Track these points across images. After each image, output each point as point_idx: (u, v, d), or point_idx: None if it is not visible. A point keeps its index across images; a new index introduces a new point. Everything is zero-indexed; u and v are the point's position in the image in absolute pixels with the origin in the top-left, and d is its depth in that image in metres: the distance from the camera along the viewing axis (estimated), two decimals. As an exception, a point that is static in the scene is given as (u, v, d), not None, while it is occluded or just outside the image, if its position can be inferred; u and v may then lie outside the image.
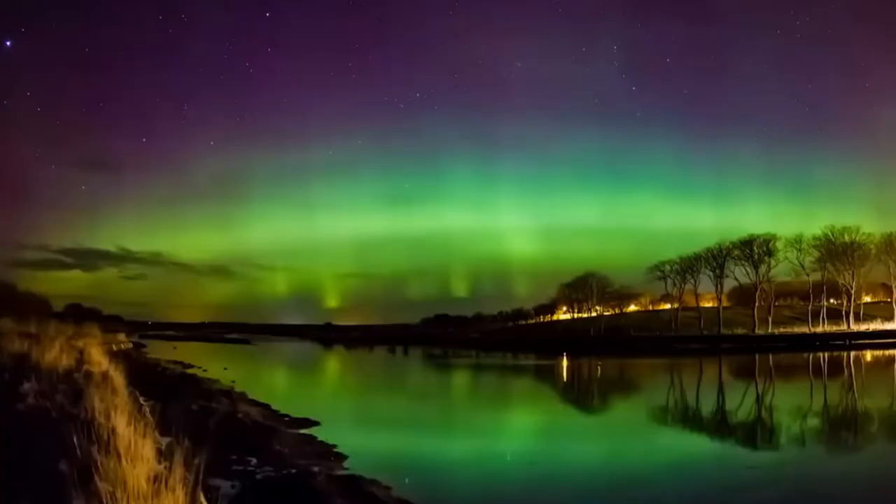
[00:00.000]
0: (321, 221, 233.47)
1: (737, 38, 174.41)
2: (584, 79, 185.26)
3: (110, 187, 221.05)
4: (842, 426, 25.81)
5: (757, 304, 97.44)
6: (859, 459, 19.50)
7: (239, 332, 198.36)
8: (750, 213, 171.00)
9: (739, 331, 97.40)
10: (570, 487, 15.91)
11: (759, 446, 21.99)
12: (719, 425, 26.84)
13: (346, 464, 16.97)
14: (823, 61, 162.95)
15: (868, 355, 65.93)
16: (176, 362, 55.87)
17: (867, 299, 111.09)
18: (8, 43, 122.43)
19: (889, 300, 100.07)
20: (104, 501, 5.53)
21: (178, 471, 6.37)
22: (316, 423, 23.69)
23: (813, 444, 22.02)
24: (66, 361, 18.19)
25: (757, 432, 24.71)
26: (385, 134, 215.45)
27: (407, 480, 15.43)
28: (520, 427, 27.54)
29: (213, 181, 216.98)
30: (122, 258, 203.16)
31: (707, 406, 32.45)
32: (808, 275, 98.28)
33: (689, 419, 28.75)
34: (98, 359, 22.46)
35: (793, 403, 32.04)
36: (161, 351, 79.97)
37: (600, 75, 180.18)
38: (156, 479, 6.49)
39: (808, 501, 14.25)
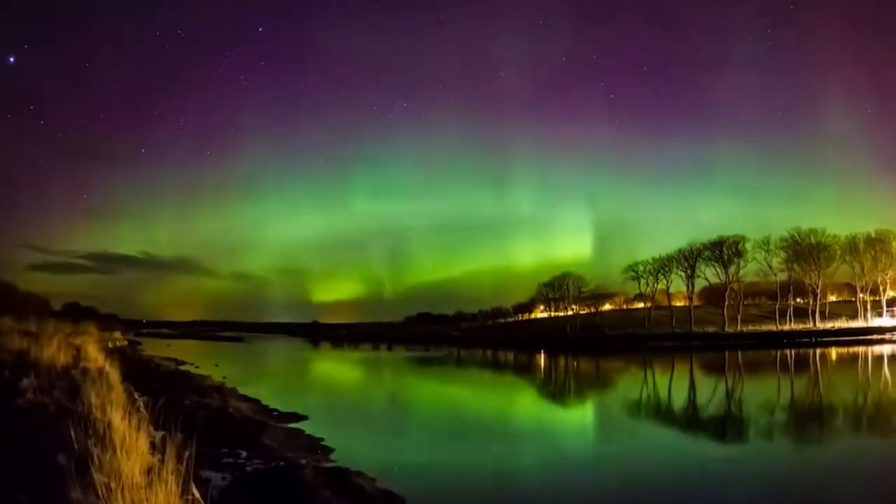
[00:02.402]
0: (311, 224, 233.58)
1: (710, 47, 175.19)
2: (565, 87, 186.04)
3: (111, 195, 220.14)
4: (808, 420, 25.89)
5: (727, 303, 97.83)
6: (825, 451, 19.76)
7: (230, 330, 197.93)
8: (721, 215, 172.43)
9: (710, 329, 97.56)
10: (545, 479, 16.05)
11: (729, 440, 22.07)
12: (690, 419, 26.95)
13: (332, 456, 17.06)
14: (793, 68, 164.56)
15: (833, 352, 66.39)
16: (169, 359, 55.68)
17: (832, 298, 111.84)
18: (11, 59, 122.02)
19: (853, 299, 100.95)
20: (100, 492, 5.60)
21: (171, 463, 6.45)
22: (304, 418, 23.78)
23: (781, 437, 22.18)
24: (63, 358, 18.15)
25: (727, 426, 24.84)
26: (374, 142, 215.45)
27: (396, 470, 15.59)
28: (500, 420, 27.63)
29: (207, 188, 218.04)
30: (135, 261, 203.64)
31: (678, 401, 32.72)
32: (775, 275, 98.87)
33: (662, 413, 28.91)
34: (95, 356, 22.36)
35: (761, 398, 32.27)
36: (155, 348, 79.58)
37: (581, 83, 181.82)
38: (150, 470, 6.57)
39: (777, 493, 14.37)
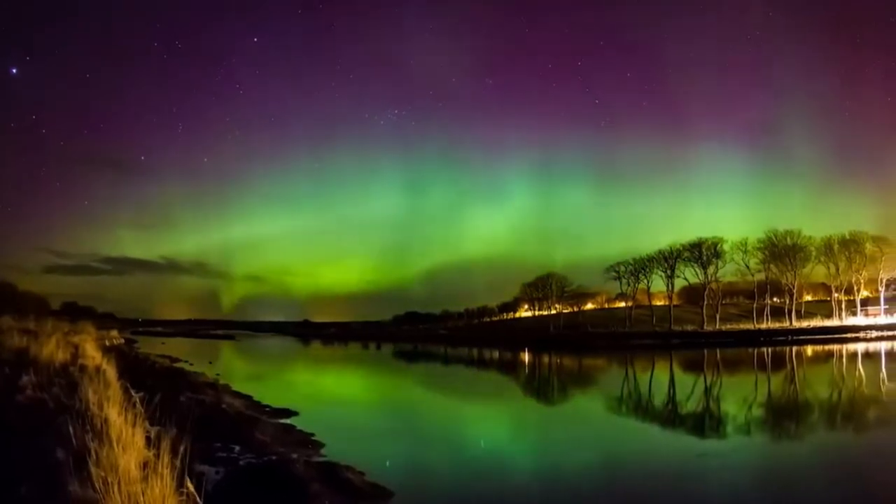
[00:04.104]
0: (305, 225, 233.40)
1: (692, 54, 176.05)
2: (551, 92, 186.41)
3: (111, 201, 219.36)
4: (785, 415, 25.88)
5: (705, 302, 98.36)
6: (801, 446, 19.88)
7: (223, 328, 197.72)
8: (701, 217, 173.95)
9: (689, 327, 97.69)
10: (529, 472, 16.15)
11: (707, 435, 21.98)
12: (670, 415, 26.98)
13: (323, 451, 17.09)
14: (771, 72, 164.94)
15: (808, 350, 66.65)
16: (164, 357, 55.40)
17: (808, 298, 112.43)
18: (13, 70, 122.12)
19: (828, 299, 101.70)
20: (98, 486, 5.66)
21: (166, 457, 6.51)
22: (295, 414, 23.77)
23: (758, 432, 22.06)
24: (62, 356, 18.13)
25: (705, 422, 24.80)
26: (366, 148, 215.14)
27: (386, 465, 15.66)
28: (487, 416, 27.69)
29: (205, 193, 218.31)
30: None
31: (658, 397, 32.78)
32: (752, 275, 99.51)
33: (641, 409, 28.93)
34: (92, 353, 22.33)
35: (738, 394, 32.26)
36: (151, 346, 79.17)
37: (566, 89, 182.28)
38: (145, 465, 6.64)
39: (755, 487, 14.48)
